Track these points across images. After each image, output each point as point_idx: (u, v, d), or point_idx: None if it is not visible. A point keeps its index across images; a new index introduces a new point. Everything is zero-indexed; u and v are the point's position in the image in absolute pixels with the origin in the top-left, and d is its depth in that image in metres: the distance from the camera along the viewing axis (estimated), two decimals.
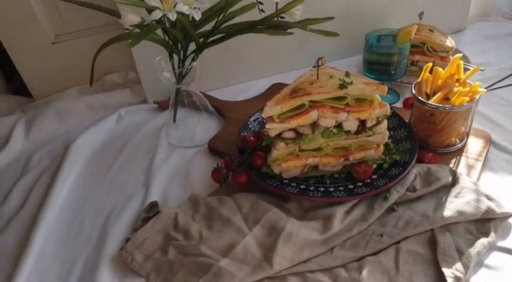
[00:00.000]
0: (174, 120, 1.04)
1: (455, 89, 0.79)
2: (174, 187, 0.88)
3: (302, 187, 0.77)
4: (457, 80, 0.81)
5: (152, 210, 0.78)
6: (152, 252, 0.71)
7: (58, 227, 0.82)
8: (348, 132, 0.76)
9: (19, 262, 0.73)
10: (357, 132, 0.76)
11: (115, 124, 1.10)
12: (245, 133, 0.90)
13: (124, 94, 1.20)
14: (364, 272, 0.65)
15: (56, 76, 1.24)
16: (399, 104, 1.02)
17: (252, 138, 0.87)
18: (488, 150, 0.84)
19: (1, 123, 1.13)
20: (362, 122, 0.76)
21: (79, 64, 1.23)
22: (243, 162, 0.82)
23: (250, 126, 0.93)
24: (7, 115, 1.18)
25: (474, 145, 0.85)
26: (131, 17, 0.74)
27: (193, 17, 0.76)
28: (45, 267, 0.74)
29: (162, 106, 1.14)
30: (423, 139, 0.84)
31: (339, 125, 0.75)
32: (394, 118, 0.88)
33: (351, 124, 0.75)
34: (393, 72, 0.99)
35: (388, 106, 0.76)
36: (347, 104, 0.73)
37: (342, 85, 0.71)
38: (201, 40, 0.89)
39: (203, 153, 0.97)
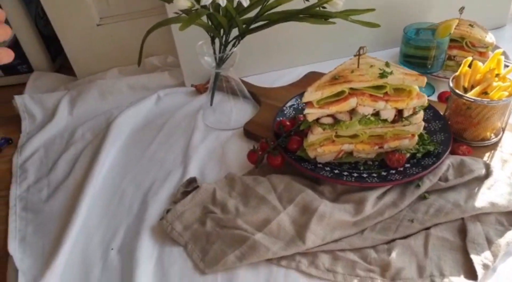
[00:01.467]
0: (211, 103, 1.08)
1: (494, 83, 0.79)
2: (210, 166, 0.92)
3: (336, 171, 0.80)
4: (497, 75, 0.82)
5: (190, 185, 0.83)
6: (190, 223, 0.75)
7: (101, 197, 0.86)
8: (385, 121, 0.77)
9: (66, 225, 0.78)
10: (394, 121, 0.78)
11: (154, 105, 1.14)
12: (281, 118, 0.93)
13: (163, 76, 1.25)
14: (393, 254, 0.67)
15: (99, 57, 1.29)
16: (433, 98, 1.03)
17: (288, 123, 0.90)
18: None
19: (48, 98, 1.19)
20: (399, 112, 0.77)
21: (121, 46, 1.28)
22: (278, 145, 0.85)
23: (285, 112, 0.96)
24: (52, 91, 1.24)
25: (509, 140, 0.85)
26: (182, 2, 0.78)
27: (238, 3, 0.79)
28: (90, 231, 0.79)
29: (199, 89, 1.18)
30: (457, 132, 0.86)
31: (376, 114, 0.77)
32: (429, 110, 0.89)
33: (388, 113, 0.77)
34: (429, 66, 1.00)
35: (426, 97, 0.77)
36: (386, 93, 0.75)
37: (382, 75, 0.73)
38: (244, 26, 0.92)
39: (239, 135, 1.00)
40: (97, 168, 0.91)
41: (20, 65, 1.34)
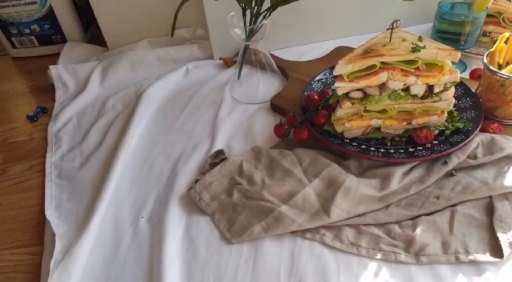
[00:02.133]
0: (239, 77, 1.08)
1: None
2: (237, 138, 0.93)
3: (363, 146, 0.80)
4: None
5: (218, 157, 0.84)
6: (218, 193, 0.77)
7: (132, 166, 0.89)
8: (414, 96, 0.77)
9: (98, 193, 0.81)
10: (424, 97, 0.77)
11: (183, 77, 1.16)
12: (309, 92, 0.93)
13: (192, 49, 1.25)
14: (418, 230, 0.68)
15: (130, 28, 1.31)
16: (465, 75, 1.00)
17: (316, 97, 0.89)
18: None
19: (80, 69, 1.21)
20: (430, 88, 0.76)
21: (151, 17, 1.29)
22: (306, 119, 0.85)
23: (313, 86, 0.96)
24: (85, 61, 1.27)
25: None
26: None
27: None
28: (121, 199, 0.82)
29: (227, 63, 1.18)
30: (489, 110, 0.84)
31: (406, 89, 0.76)
32: (460, 87, 0.88)
33: (418, 88, 0.76)
34: (463, 42, 0.98)
35: (458, 73, 0.76)
36: (417, 68, 0.73)
37: (415, 49, 0.72)
38: None
39: (265, 109, 1.01)
40: (127, 138, 0.94)
41: (54, 35, 1.37)
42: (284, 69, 1.11)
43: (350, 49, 0.79)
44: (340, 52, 1.12)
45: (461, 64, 1.04)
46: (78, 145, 0.97)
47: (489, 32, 1.04)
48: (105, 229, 0.76)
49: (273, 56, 1.13)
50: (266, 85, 1.07)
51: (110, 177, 0.84)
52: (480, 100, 0.85)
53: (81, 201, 0.82)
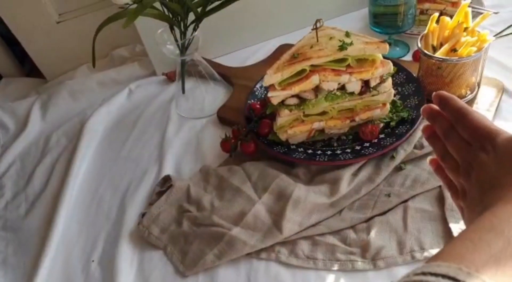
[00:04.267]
0: (183, 91, 1.05)
1: (462, 39, 0.75)
2: (186, 158, 0.90)
3: (310, 151, 0.78)
4: (465, 29, 0.78)
5: (165, 184, 0.81)
6: (167, 224, 0.74)
7: (79, 205, 0.85)
8: (352, 93, 0.75)
9: (45, 241, 0.78)
10: (361, 93, 0.75)
11: (126, 99, 1.11)
12: (252, 101, 0.90)
13: (133, 68, 1.21)
14: (372, 233, 0.66)
15: (65, 55, 1.25)
16: (409, 57, 0.99)
17: (258, 105, 0.87)
18: (500, 99, 0.82)
19: (18, 106, 1.16)
20: (366, 83, 0.74)
21: (86, 41, 1.21)
22: (250, 130, 0.83)
23: (257, 93, 0.93)
24: (23, 97, 1.21)
25: (485, 95, 0.82)
26: None
27: None
28: (69, 244, 0.78)
29: (170, 77, 1.14)
30: (431, 93, 0.82)
31: (342, 88, 0.74)
32: (401, 73, 0.86)
33: (354, 85, 0.74)
34: (400, 24, 0.96)
35: (391, 64, 0.74)
36: (349, 65, 0.71)
37: (342, 47, 0.70)
38: (199, 9, 0.88)
39: (213, 122, 0.98)
40: (73, 176, 0.90)
41: None
42: (228, 76, 1.07)
43: (293, 46, 0.76)
44: (285, 50, 1.08)
45: (404, 47, 1.03)
46: (22, 190, 0.92)
47: (426, 10, 1.02)
48: (55, 280, 0.72)
49: (217, 64, 1.10)
50: (212, 97, 1.04)
51: (57, 222, 0.80)
52: (422, 84, 0.83)
53: (28, 252, 0.78)
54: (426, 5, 1.01)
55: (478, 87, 0.83)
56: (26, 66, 1.37)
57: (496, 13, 0.91)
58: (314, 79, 0.72)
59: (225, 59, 1.14)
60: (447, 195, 0.67)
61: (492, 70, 0.88)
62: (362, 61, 0.72)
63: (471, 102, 0.82)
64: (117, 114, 1.07)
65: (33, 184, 0.93)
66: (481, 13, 0.79)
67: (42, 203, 0.88)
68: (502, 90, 0.83)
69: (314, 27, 0.72)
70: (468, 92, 0.82)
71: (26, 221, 0.85)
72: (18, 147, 1.04)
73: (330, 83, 0.73)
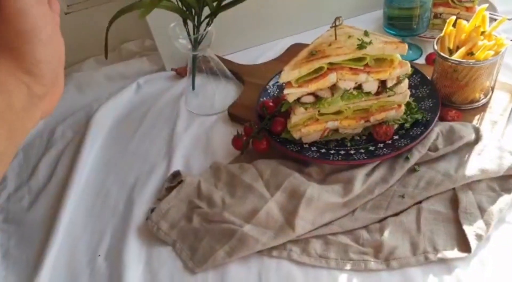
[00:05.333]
0: (193, 87, 1.04)
1: (480, 43, 0.75)
2: (196, 155, 0.89)
3: (323, 150, 0.77)
4: (482, 33, 0.78)
5: (175, 179, 0.80)
6: (177, 220, 0.73)
7: (85, 199, 0.84)
8: (368, 93, 0.74)
9: (50, 234, 0.76)
10: (378, 93, 0.74)
11: (134, 94, 1.10)
12: (264, 98, 0.89)
13: (141, 62, 1.20)
14: (386, 233, 0.65)
15: (73, 47, 1.21)
16: (422, 60, 0.99)
17: (271, 103, 0.86)
18: None
19: None
20: (382, 83, 0.74)
21: (94, 34, 1.21)
22: (263, 128, 0.82)
23: (269, 91, 0.92)
24: None
25: (499, 99, 0.82)
26: None
27: None
28: (75, 237, 0.77)
29: (180, 73, 1.13)
30: (446, 96, 0.82)
31: (358, 87, 0.74)
32: (416, 75, 0.85)
33: (371, 85, 0.73)
34: (415, 27, 0.95)
35: (409, 65, 0.73)
36: (367, 65, 0.71)
37: (361, 46, 0.69)
38: (215, 4, 0.87)
39: (223, 119, 0.97)
40: (79, 169, 0.88)
41: None
42: (239, 74, 1.07)
43: (306, 45, 0.76)
44: (296, 49, 1.08)
45: (417, 50, 1.02)
46: (25, 182, 0.91)
47: (440, 14, 1.02)
48: (59, 275, 0.71)
49: (228, 62, 1.09)
50: (223, 94, 1.03)
51: (62, 215, 0.79)
52: (437, 87, 0.83)
53: (31, 246, 0.76)
54: (440, 9, 1.01)
55: (492, 92, 0.82)
56: None
57: (510, 19, 0.91)
58: (331, 77, 0.71)
59: (235, 57, 1.13)
60: (462, 197, 0.67)
61: (506, 76, 0.88)
62: (380, 61, 0.71)
63: (484, 106, 0.81)
64: (125, 108, 1.06)
65: (37, 176, 0.92)
66: (495, 19, 0.79)
67: (46, 195, 0.86)
68: None
69: (333, 25, 0.72)
70: (482, 96, 0.81)
71: (29, 213, 0.83)
72: None
73: (347, 82, 0.72)
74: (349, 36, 0.72)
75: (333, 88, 0.73)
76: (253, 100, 0.92)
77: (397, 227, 0.66)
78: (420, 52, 1.01)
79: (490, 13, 0.82)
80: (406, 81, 0.75)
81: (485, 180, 0.69)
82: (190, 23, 0.89)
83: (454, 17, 0.79)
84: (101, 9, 1.19)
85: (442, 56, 0.77)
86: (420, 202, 0.69)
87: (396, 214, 0.68)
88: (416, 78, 0.85)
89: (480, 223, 0.64)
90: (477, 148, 0.72)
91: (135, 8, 0.78)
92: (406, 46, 0.70)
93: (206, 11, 0.87)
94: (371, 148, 0.76)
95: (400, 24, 0.96)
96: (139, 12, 0.71)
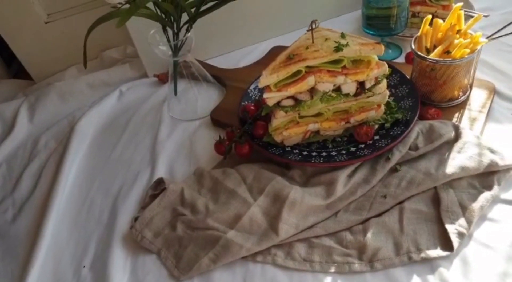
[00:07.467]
0: (175, 93, 1.04)
1: (456, 41, 0.76)
2: (179, 161, 0.89)
3: (305, 153, 0.77)
4: (458, 31, 0.78)
5: (159, 187, 0.80)
6: (161, 228, 0.73)
7: (69, 209, 0.83)
8: (347, 95, 0.74)
9: (34, 246, 0.76)
10: (356, 94, 0.75)
11: (117, 101, 1.10)
12: (246, 102, 0.90)
13: (123, 69, 1.19)
14: (369, 234, 0.66)
15: (54, 57, 1.23)
16: (401, 59, 0.99)
17: (252, 107, 0.86)
18: (492, 100, 0.82)
19: (5, 108, 1.13)
20: (361, 84, 0.74)
21: (75, 42, 1.20)
22: (244, 132, 0.82)
23: (250, 95, 0.92)
24: (10, 100, 1.18)
25: (477, 96, 0.83)
26: None
27: None
28: (60, 249, 0.76)
29: (162, 79, 1.13)
30: (425, 95, 0.83)
31: (337, 89, 0.74)
32: (395, 75, 0.86)
33: (349, 87, 0.74)
34: (393, 26, 0.96)
35: (386, 65, 0.74)
36: (344, 67, 0.71)
37: (338, 48, 0.70)
38: (193, 10, 0.87)
39: (206, 124, 0.97)
40: (62, 179, 0.88)
41: None
42: (221, 78, 1.07)
43: (287, 48, 0.76)
44: (278, 52, 1.08)
45: (396, 49, 1.03)
46: (9, 194, 0.90)
47: (418, 13, 1.03)
48: None
49: (209, 66, 1.09)
50: (205, 99, 1.03)
51: (46, 226, 0.78)
52: (416, 85, 0.83)
53: (15, 259, 0.76)
54: (418, 8, 1.02)
55: (471, 89, 0.83)
56: (13, 68, 1.35)
57: (486, 16, 0.92)
58: (310, 81, 0.71)
59: (217, 61, 1.14)
60: (443, 195, 0.68)
61: (484, 73, 0.89)
62: (357, 63, 0.71)
63: (464, 104, 0.82)
64: (108, 116, 1.06)
65: (21, 188, 0.91)
66: (472, 16, 0.80)
67: (30, 207, 0.85)
68: (494, 92, 0.84)
69: (310, 28, 0.72)
70: (461, 94, 0.82)
71: (13, 226, 0.83)
72: (4, 150, 1.02)
73: (326, 85, 0.72)
74: (326, 39, 0.73)
75: (312, 91, 0.73)
76: (235, 104, 0.92)
77: (380, 228, 0.67)
78: (400, 51, 1.02)
79: (465, 11, 0.83)
80: (385, 82, 0.76)
81: (466, 178, 0.70)
82: (169, 30, 0.89)
83: (430, 17, 0.79)
84: (80, 17, 1.18)
85: (420, 56, 0.78)
86: (402, 202, 0.69)
87: (379, 215, 0.69)
88: (396, 77, 0.86)
89: (461, 221, 0.64)
90: (457, 145, 0.72)
91: (114, 16, 0.78)
92: (383, 47, 0.70)
93: (185, 17, 0.87)
94: (353, 149, 0.76)
95: (378, 24, 0.97)
96: (114, 22, 0.71)
